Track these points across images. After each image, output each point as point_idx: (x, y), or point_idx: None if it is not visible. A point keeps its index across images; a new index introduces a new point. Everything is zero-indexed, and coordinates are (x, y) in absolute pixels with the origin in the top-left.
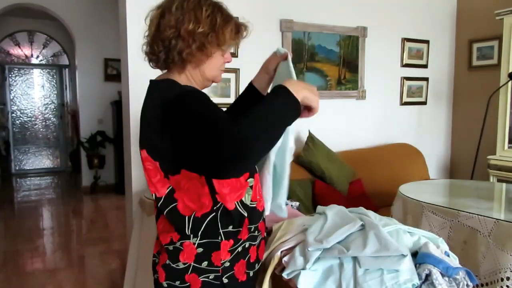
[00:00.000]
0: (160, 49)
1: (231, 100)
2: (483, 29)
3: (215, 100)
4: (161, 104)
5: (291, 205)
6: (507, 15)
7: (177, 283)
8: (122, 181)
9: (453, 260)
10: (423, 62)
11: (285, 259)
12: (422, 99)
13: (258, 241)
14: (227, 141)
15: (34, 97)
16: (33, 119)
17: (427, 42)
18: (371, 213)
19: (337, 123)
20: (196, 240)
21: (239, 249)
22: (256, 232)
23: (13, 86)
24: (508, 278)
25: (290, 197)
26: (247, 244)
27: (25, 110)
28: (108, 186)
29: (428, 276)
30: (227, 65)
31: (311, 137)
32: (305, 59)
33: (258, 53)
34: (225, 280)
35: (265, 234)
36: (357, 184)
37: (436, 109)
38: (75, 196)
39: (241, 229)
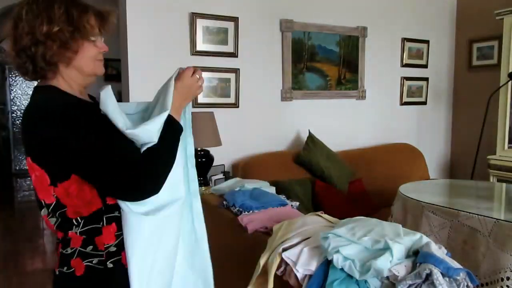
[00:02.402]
0: (24, 60)
1: (231, 100)
2: (483, 29)
3: (215, 100)
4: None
5: (291, 205)
6: (507, 15)
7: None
8: None
9: (454, 261)
10: (423, 62)
11: (285, 254)
12: (422, 99)
13: None
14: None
15: None
16: None
17: (427, 42)
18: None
19: (337, 123)
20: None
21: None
22: None
23: (13, 86)
24: (508, 278)
25: (290, 197)
26: None
27: None
28: None
29: (428, 275)
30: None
31: (311, 137)
32: (305, 59)
33: (258, 53)
34: (110, 265)
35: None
36: (357, 184)
37: (436, 109)
38: None
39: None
